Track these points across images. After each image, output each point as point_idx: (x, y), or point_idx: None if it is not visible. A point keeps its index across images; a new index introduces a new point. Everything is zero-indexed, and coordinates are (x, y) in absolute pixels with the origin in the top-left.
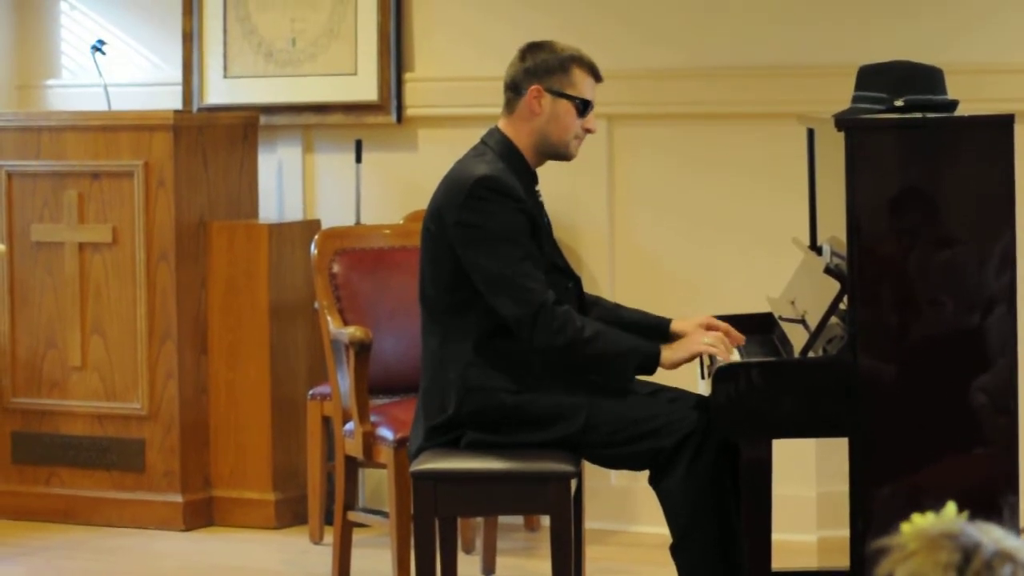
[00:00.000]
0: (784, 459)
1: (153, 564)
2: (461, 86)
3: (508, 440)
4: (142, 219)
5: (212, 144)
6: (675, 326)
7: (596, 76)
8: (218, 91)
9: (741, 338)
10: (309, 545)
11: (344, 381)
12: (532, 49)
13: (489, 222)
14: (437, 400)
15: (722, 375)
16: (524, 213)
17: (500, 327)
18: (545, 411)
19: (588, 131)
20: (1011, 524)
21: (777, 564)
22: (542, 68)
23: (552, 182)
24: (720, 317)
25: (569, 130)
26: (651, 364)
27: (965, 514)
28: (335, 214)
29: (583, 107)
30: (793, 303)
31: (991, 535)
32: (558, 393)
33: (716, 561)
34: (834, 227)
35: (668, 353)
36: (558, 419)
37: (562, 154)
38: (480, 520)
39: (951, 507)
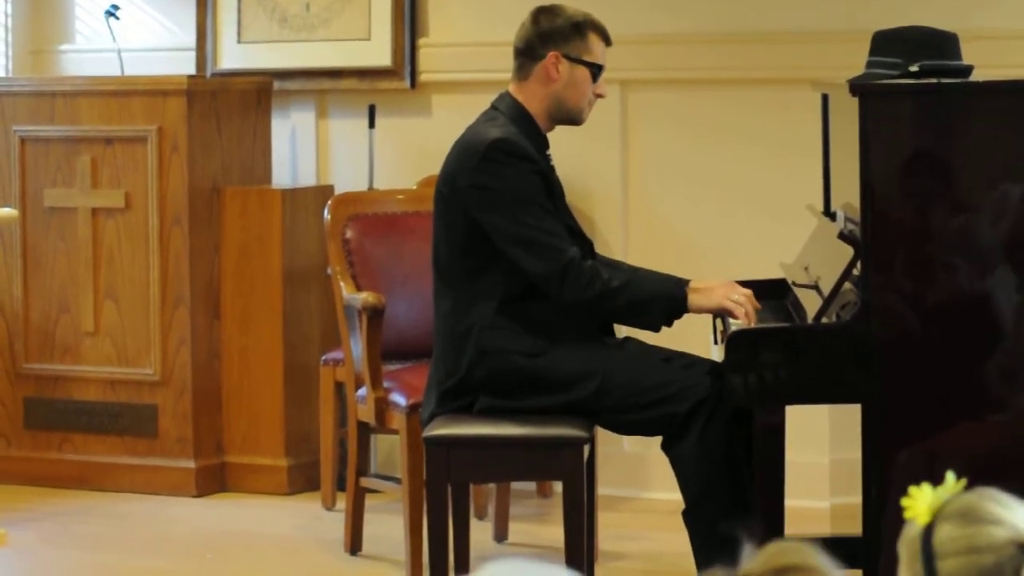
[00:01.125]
0: (797, 425)
1: (165, 529)
2: (475, 51)
3: (521, 405)
4: (155, 184)
5: (226, 109)
6: (694, 286)
7: (607, 40)
8: (232, 56)
9: (757, 306)
10: (321, 511)
11: (357, 347)
12: (544, 13)
13: (505, 185)
14: (450, 365)
15: (735, 341)
16: (539, 174)
17: (514, 291)
18: (559, 376)
19: (599, 96)
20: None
21: (790, 530)
22: (559, 34)
23: (565, 148)
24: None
25: (584, 96)
26: (678, 308)
27: (963, 482)
28: (348, 179)
29: (597, 72)
30: (807, 269)
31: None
32: (572, 358)
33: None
34: (848, 193)
35: (695, 297)
36: (571, 384)
37: (575, 119)
38: (492, 486)
39: (950, 478)
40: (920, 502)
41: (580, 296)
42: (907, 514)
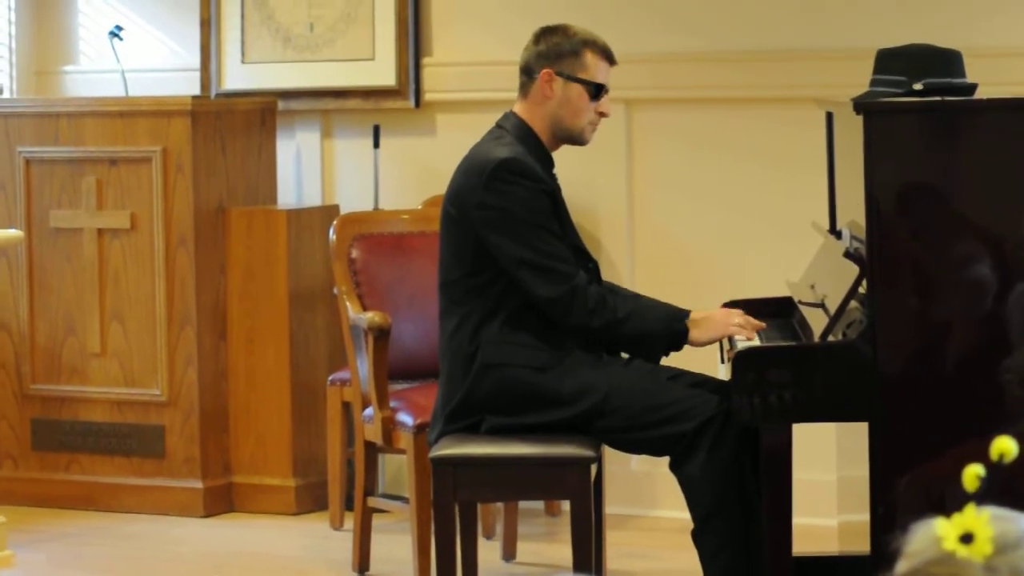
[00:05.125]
0: (804, 443)
1: (173, 550)
2: (479, 71)
3: (525, 420)
4: (160, 205)
5: (230, 130)
6: (695, 316)
7: (610, 59)
8: (236, 77)
9: (761, 324)
10: (329, 531)
11: (363, 366)
12: (546, 33)
13: (513, 205)
14: (455, 383)
15: (742, 360)
16: (546, 194)
17: (520, 308)
18: (564, 390)
19: (602, 115)
20: None
21: (798, 549)
22: (554, 52)
23: (571, 166)
24: (739, 301)
25: (582, 114)
26: (679, 342)
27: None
28: (354, 199)
29: (596, 91)
30: (813, 287)
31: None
32: (578, 373)
33: (737, 546)
34: (853, 211)
35: (696, 332)
36: (577, 399)
37: (576, 138)
38: (500, 505)
39: (972, 509)
40: (955, 534)
41: (586, 322)
42: (946, 544)
